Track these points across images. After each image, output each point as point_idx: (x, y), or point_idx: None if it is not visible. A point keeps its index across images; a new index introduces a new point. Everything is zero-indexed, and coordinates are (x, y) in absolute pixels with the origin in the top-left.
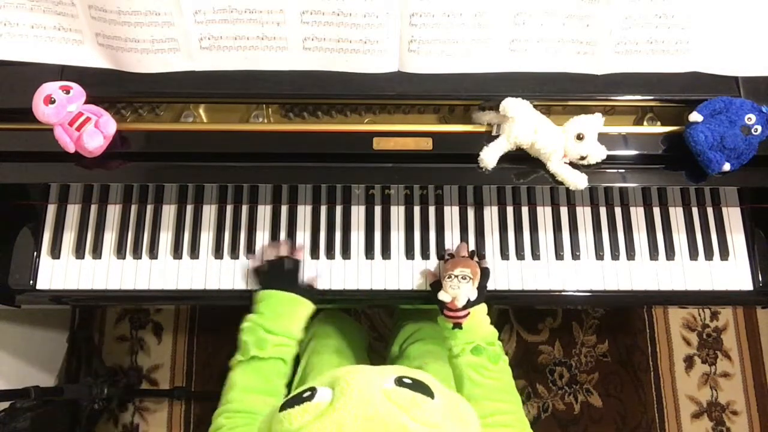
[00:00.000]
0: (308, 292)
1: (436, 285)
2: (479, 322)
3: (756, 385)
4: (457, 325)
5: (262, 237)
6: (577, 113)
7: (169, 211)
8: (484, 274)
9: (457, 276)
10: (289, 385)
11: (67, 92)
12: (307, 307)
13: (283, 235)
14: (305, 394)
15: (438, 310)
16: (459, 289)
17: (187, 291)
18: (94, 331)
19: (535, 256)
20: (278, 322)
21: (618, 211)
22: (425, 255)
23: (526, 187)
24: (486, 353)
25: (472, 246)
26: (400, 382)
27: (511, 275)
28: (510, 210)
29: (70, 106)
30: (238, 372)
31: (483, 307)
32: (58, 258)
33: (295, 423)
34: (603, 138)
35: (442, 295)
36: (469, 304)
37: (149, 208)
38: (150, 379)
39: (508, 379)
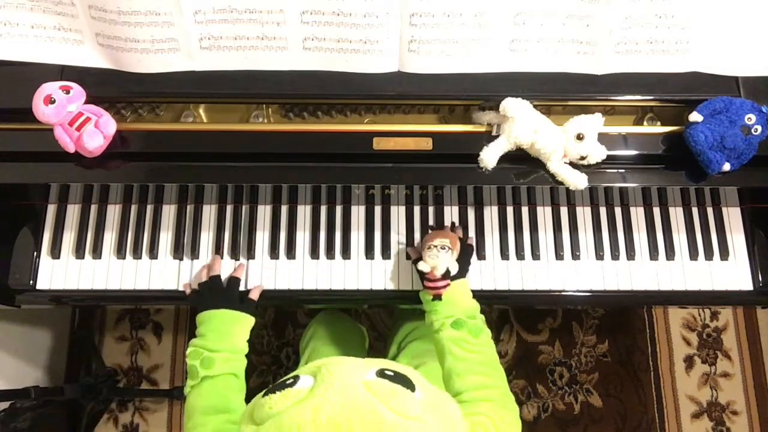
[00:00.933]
0: (247, 306)
1: (418, 261)
2: (460, 295)
3: (756, 385)
4: (437, 297)
5: (262, 237)
6: (577, 113)
7: (169, 211)
8: (467, 250)
9: (436, 246)
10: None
11: (67, 92)
12: (246, 321)
13: (283, 234)
14: (288, 381)
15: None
16: (438, 259)
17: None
18: (94, 331)
19: (535, 256)
20: (221, 340)
21: (618, 211)
22: None
23: (526, 187)
24: (467, 327)
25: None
26: (381, 373)
27: (511, 275)
28: (510, 210)
29: (70, 106)
30: (193, 397)
31: (464, 282)
32: (58, 258)
33: (275, 407)
34: (603, 138)
35: (422, 265)
36: (449, 276)
37: (149, 208)
38: (150, 379)
39: (491, 353)
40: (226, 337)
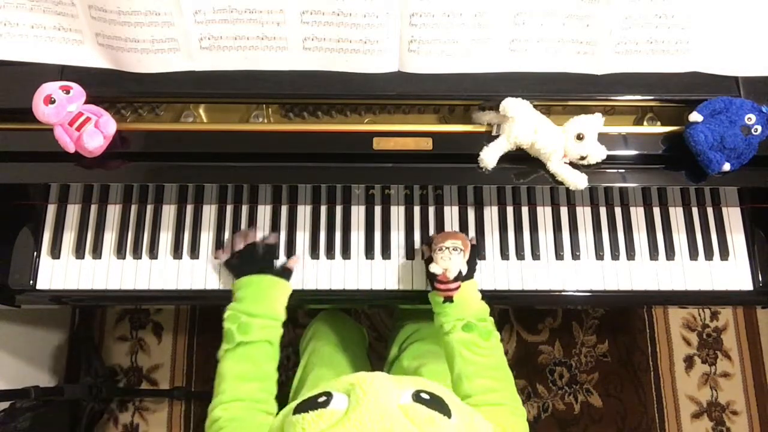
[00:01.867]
0: (284, 273)
1: (430, 261)
2: (470, 297)
3: (756, 385)
4: (448, 299)
5: (262, 237)
6: (577, 113)
7: (169, 211)
8: (473, 250)
9: (448, 248)
10: (281, 381)
11: (67, 92)
12: (284, 287)
13: (283, 234)
14: (320, 399)
15: (431, 290)
16: (450, 260)
17: (187, 291)
18: (94, 331)
19: (535, 256)
20: (259, 305)
21: (618, 211)
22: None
23: (526, 187)
24: (477, 330)
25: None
26: (417, 397)
27: (511, 275)
28: (510, 210)
29: (70, 106)
30: (226, 361)
31: (474, 283)
32: (58, 258)
33: (308, 429)
34: (603, 138)
35: (434, 267)
36: (460, 278)
37: (149, 208)
38: (150, 379)
39: (500, 356)
40: (264, 302)
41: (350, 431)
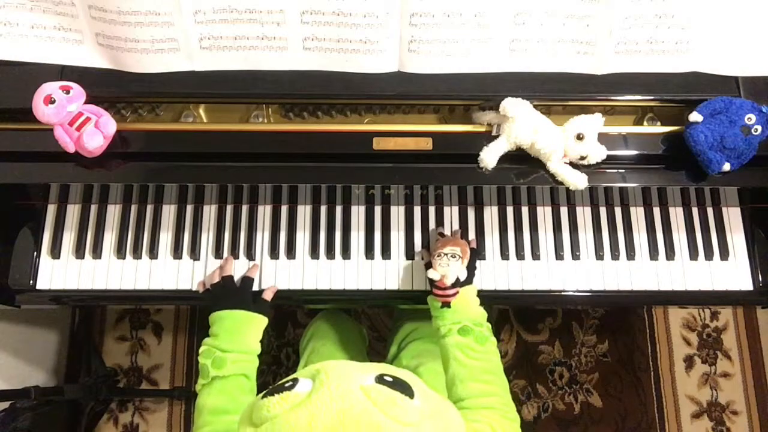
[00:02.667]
0: (260, 306)
1: (430, 265)
2: (468, 302)
3: (756, 385)
4: (446, 304)
5: (262, 237)
6: (577, 113)
7: (169, 211)
8: (472, 254)
9: (446, 254)
10: None
11: (67, 92)
12: (259, 321)
13: (283, 234)
14: (287, 384)
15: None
16: (448, 267)
17: (187, 291)
18: (94, 331)
19: (535, 256)
20: (232, 340)
21: (618, 211)
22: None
23: (526, 187)
24: (473, 334)
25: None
26: (380, 379)
27: (511, 275)
28: (510, 210)
29: (70, 106)
30: (203, 395)
31: (472, 288)
32: (58, 258)
33: (272, 410)
34: (603, 138)
35: (432, 273)
36: (459, 284)
37: (149, 208)
38: (150, 379)
39: (496, 361)
40: (238, 338)
41: (311, 411)
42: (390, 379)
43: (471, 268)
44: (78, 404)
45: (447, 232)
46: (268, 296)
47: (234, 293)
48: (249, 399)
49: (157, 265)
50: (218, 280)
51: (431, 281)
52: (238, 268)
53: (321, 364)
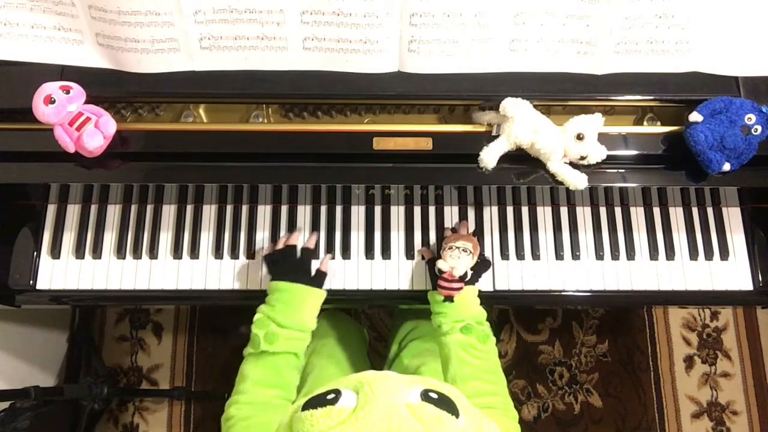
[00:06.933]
0: (319, 280)
1: (433, 261)
2: (469, 301)
3: (756, 385)
4: (449, 298)
5: (262, 237)
6: (577, 113)
7: (169, 211)
8: (485, 263)
9: (458, 247)
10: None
11: (67, 92)
12: (318, 296)
13: (283, 234)
14: (329, 396)
15: (432, 301)
16: (459, 260)
17: (187, 291)
18: (94, 331)
19: (535, 256)
20: (289, 314)
21: (618, 211)
22: None
23: (526, 187)
24: (475, 332)
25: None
26: (426, 396)
27: (511, 275)
28: (510, 210)
29: (70, 106)
30: (249, 364)
31: (474, 289)
32: (58, 258)
33: (317, 426)
34: (603, 138)
35: (441, 264)
36: (464, 279)
37: (149, 208)
38: (150, 379)
39: (495, 360)
40: (294, 312)
41: (358, 430)
42: (435, 397)
43: (478, 273)
44: (78, 404)
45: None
46: (324, 268)
47: (294, 265)
48: (295, 375)
49: (157, 265)
50: (281, 248)
51: (438, 273)
52: (241, 268)
53: (363, 376)
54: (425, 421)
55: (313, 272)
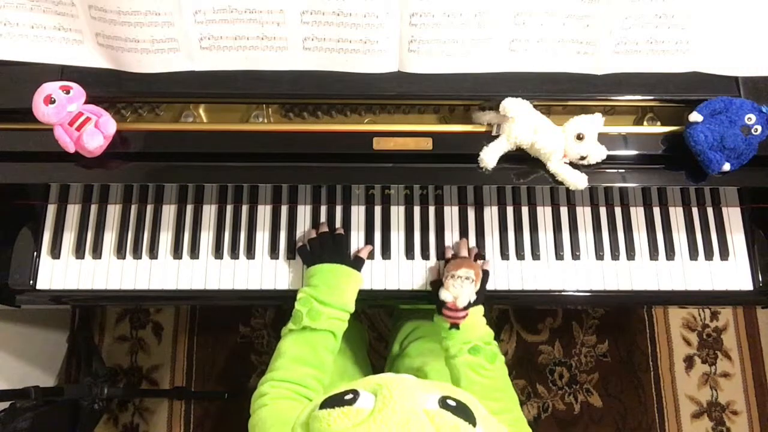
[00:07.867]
0: (358, 263)
1: (437, 284)
2: (476, 323)
3: (756, 385)
4: (455, 326)
5: (262, 237)
6: (577, 113)
7: (169, 211)
8: (485, 276)
9: (461, 276)
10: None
11: (67, 92)
12: (358, 278)
13: (283, 234)
14: (347, 397)
15: (435, 309)
16: (462, 289)
17: (187, 291)
18: (94, 331)
19: (535, 256)
20: (332, 294)
21: (618, 211)
22: (425, 255)
23: (526, 187)
24: (483, 353)
25: (472, 242)
26: (443, 403)
27: (511, 275)
28: (510, 210)
29: (70, 106)
30: (288, 341)
31: (480, 309)
32: (58, 258)
33: (334, 425)
34: (603, 138)
35: (444, 294)
36: (469, 305)
37: (149, 208)
38: (150, 379)
39: (506, 379)
40: (336, 291)
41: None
42: (453, 404)
43: (481, 291)
44: (78, 404)
45: (448, 241)
46: (364, 254)
47: (332, 249)
48: (330, 357)
49: (157, 265)
50: (315, 236)
51: (441, 302)
52: (241, 268)
53: (382, 378)
54: (442, 428)
55: (351, 258)
